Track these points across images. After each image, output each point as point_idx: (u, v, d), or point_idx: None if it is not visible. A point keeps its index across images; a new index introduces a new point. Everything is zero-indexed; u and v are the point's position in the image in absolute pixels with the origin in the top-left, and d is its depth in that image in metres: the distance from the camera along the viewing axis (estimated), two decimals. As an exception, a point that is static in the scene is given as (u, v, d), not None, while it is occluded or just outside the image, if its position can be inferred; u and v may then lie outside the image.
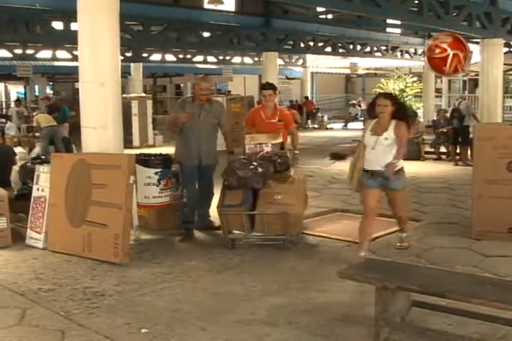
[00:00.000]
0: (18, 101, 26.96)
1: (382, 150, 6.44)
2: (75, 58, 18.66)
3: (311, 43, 23.49)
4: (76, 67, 8.11)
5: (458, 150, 15.63)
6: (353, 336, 4.67)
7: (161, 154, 8.47)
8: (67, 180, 7.23)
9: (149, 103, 21.22)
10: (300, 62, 31.51)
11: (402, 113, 6.67)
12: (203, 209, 7.99)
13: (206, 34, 20.10)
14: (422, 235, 7.87)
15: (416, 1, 14.62)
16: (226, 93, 30.62)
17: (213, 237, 7.82)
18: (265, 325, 4.88)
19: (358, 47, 25.16)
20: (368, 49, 25.66)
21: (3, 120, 19.83)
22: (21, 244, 7.44)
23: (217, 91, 36.84)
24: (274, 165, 7.35)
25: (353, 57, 27.86)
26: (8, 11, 14.84)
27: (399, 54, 27.36)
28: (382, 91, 30.58)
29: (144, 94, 23.40)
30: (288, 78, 36.23)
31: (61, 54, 24.21)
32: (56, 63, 26.42)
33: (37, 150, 15.93)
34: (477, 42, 20.40)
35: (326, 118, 32.59)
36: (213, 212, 7.80)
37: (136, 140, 19.86)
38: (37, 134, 17.54)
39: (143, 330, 4.80)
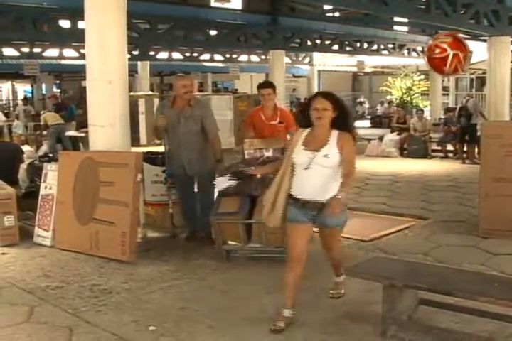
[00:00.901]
0: (25, 99, 27.02)
1: (320, 172, 4.73)
2: (82, 56, 18.70)
3: (318, 41, 23.42)
4: (83, 66, 8.12)
5: (465, 149, 15.62)
6: (360, 334, 4.66)
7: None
8: (75, 178, 7.25)
9: (156, 101, 21.20)
10: (307, 60, 31.45)
11: (346, 121, 4.93)
12: (205, 217, 6.90)
13: (213, 32, 20.07)
14: (429, 233, 7.87)
15: (423, -1, 14.59)
16: (233, 91, 30.67)
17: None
18: (272, 323, 4.88)
19: (365, 45, 25.07)
20: (375, 47, 25.57)
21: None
22: (29, 242, 7.48)
23: (224, 89, 36.96)
24: None
25: (360, 55, 27.77)
26: (16, 10, 14.86)
27: (406, 52, 27.24)
28: (392, 89, 30.64)
29: (150, 93, 23.41)
30: (295, 76, 36.20)
31: (68, 52, 24.23)
32: (63, 61, 26.45)
33: (44, 148, 16.00)
34: (484, 40, 20.34)
35: (332, 116, 32.52)
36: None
37: (143, 138, 19.85)
38: (44, 132, 17.60)
39: (150, 328, 4.82)
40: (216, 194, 6.80)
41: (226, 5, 18.88)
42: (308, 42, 23.13)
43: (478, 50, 23.80)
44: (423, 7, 14.47)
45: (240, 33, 20.53)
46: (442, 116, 22.47)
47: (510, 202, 7.38)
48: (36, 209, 7.73)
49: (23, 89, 35.88)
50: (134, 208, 6.73)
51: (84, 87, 8.45)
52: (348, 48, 24.77)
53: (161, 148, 7.89)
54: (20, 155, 10.03)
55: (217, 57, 28.90)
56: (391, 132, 18.44)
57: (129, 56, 7.65)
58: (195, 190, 7.30)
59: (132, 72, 22.89)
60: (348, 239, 7.50)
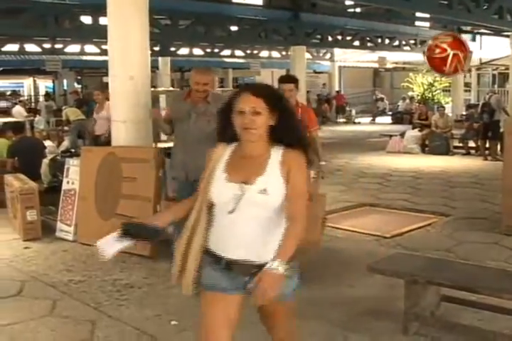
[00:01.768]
0: (47, 95, 27.16)
1: (253, 216, 2.95)
2: (104, 52, 18.76)
3: (339, 37, 23.36)
4: (104, 62, 8.15)
5: (487, 145, 15.51)
6: (382, 330, 4.65)
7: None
8: (97, 174, 7.29)
9: (177, 97, 21.23)
10: (328, 56, 31.40)
11: (292, 129, 3.03)
12: None
13: (234, 28, 20.07)
14: (451, 230, 7.83)
15: (446, -5, 14.50)
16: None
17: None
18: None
19: (387, 41, 24.97)
20: (397, 43, 25.45)
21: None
22: (51, 237, 7.54)
23: (245, 85, 36.79)
24: None
25: (382, 51, 27.68)
26: (38, 6, 15.01)
27: (428, 48, 27.10)
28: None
29: (171, 88, 23.47)
30: (316, 72, 36.13)
31: (89, 48, 24.35)
32: (84, 57, 26.62)
33: (66, 143, 16.08)
34: (507, 36, 20.18)
35: (353, 112, 32.49)
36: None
37: (164, 134, 19.89)
38: (65, 128, 17.71)
39: (172, 322, 4.84)
40: None
41: (247, 1, 18.89)
42: (330, 38, 23.09)
43: (501, 46, 23.64)
44: (446, 3, 14.39)
45: (261, 29, 20.50)
46: (464, 113, 22.33)
47: (534, 199, 7.33)
48: (58, 204, 7.79)
49: (44, 84, 36.09)
50: (155, 203, 6.76)
51: (106, 83, 8.45)
52: (369, 44, 24.70)
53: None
54: (43, 151, 10.11)
55: (238, 53, 28.88)
56: (413, 128, 18.37)
57: (150, 52, 7.65)
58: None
59: (153, 67, 22.95)
60: (370, 235, 7.49)
